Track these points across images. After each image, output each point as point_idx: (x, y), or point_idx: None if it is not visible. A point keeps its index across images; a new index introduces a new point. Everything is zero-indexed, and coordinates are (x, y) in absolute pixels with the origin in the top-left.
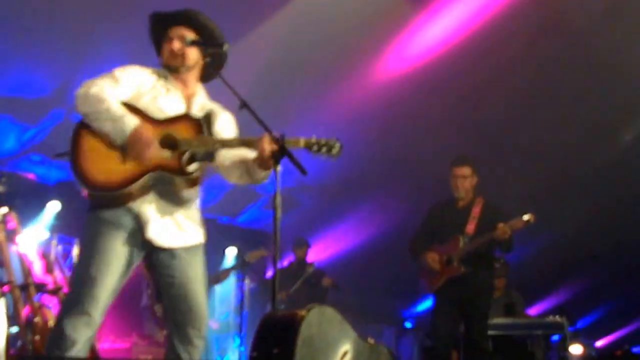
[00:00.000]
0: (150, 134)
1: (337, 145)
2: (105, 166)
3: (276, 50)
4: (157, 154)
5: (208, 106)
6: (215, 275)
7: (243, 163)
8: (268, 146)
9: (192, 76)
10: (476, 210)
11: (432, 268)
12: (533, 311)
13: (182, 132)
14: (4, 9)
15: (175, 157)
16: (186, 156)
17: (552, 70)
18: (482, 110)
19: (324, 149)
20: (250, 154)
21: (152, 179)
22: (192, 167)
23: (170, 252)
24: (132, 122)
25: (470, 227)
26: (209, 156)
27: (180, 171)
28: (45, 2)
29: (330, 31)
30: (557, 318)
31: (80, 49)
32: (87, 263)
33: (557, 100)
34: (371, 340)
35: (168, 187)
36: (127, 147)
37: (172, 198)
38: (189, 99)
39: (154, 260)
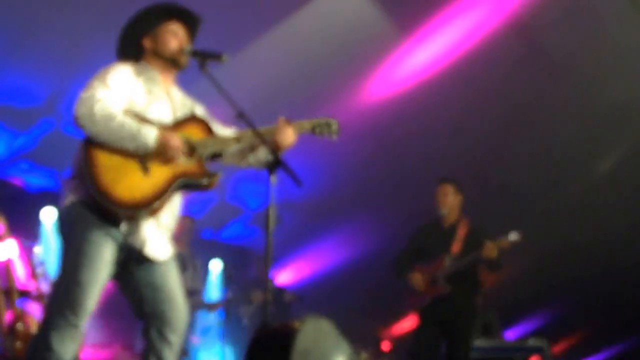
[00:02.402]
0: (176, 136)
1: (334, 122)
2: (130, 183)
3: (262, 71)
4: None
5: (185, 100)
6: (209, 304)
7: (248, 149)
8: (291, 137)
9: None
10: (461, 231)
11: (416, 288)
12: (510, 334)
13: (194, 134)
14: None
15: (196, 161)
16: (206, 158)
17: (532, 98)
18: (464, 135)
19: (325, 129)
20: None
21: (176, 187)
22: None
23: (149, 263)
24: (152, 132)
25: (456, 247)
26: (220, 154)
27: (206, 175)
28: (38, 12)
29: (317, 55)
30: (538, 341)
31: (73, 60)
32: (76, 271)
33: (537, 128)
34: (364, 356)
35: (174, 195)
36: (149, 158)
37: (169, 207)
38: (169, 95)
39: (133, 269)
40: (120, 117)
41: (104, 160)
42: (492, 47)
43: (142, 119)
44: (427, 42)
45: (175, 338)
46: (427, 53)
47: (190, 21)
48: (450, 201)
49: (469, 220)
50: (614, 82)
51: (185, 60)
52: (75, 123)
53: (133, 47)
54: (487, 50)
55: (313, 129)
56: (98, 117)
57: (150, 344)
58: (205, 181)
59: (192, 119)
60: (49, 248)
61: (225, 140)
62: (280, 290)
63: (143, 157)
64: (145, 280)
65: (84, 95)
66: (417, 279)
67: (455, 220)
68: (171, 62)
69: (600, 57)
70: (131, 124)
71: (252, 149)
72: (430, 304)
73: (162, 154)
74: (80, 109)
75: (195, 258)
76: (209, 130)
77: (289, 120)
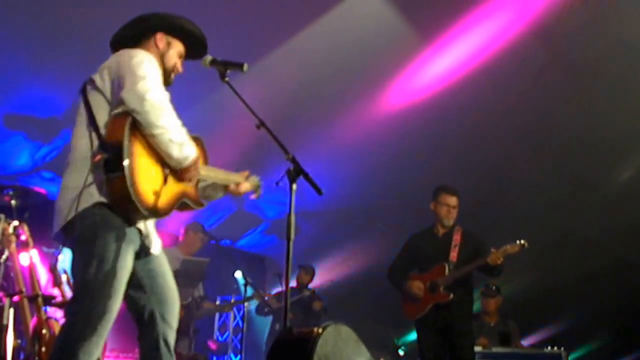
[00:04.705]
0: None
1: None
2: (152, 185)
3: (281, 80)
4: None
5: None
6: (222, 306)
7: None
8: (244, 188)
9: None
10: (457, 238)
11: (416, 296)
12: (526, 342)
13: None
14: (19, 29)
15: (194, 186)
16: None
17: (555, 105)
18: (484, 145)
19: (257, 190)
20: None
21: (179, 204)
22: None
23: (147, 258)
24: (193, 150)
25: (454, 255)
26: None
27: (198, 202)
28: (61, 24)
29: (337, 63)
30: (556, 349)
31: (94, 71)
32: (103, 283)
33: (560, 135)
34: None
35: None
36: (171, 168)
37: None
38: None
39: (135, 266)
40: (178, 122)
41: (139, 154)
42: (515, 54)
43: None
44: (449, 48)
45: (175, 322)
46: (449, 60)
47: (192, 55)
48: (456, 214)
49: (462, 227)
50: (639, 88)
51: (171, 82)
52: (136, 103)
53: (140, 32)
54: (511, 57)
55: (255, 191)
56: (167, 112)
57: (154, 334)
58: (196, 207)
59: (196, 139)
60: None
61: (208, 175)
62: (312, 298)
63: (166, 164)
64: (144, 269)
65: (154, 79)
66: (417, 286)
67: (449, 229)
68: (166, 74)
69: (625, 63)
70: (182, 132)
71: (213, 186)
72: (429, 312)
73: (187, 172)
74: (150, 93)
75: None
76: (205, 156)
77: (249, 176)
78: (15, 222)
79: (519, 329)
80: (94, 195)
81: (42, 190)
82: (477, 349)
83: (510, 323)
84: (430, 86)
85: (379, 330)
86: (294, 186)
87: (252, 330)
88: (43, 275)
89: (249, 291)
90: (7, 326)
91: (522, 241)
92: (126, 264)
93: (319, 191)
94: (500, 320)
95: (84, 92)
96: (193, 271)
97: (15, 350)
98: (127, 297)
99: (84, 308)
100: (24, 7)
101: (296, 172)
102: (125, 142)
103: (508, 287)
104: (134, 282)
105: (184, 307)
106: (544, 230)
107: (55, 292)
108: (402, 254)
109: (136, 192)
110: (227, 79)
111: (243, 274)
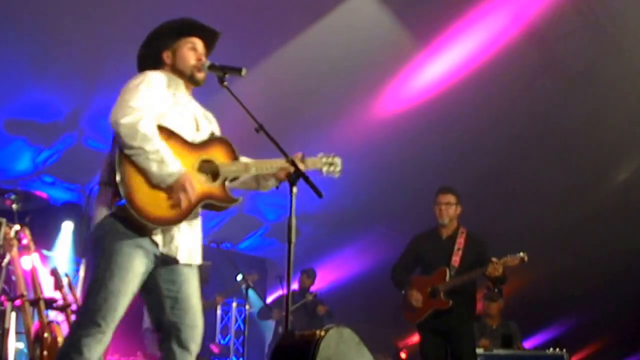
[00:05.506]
0: (194, 182)
1: (339, 161)
2: (156, 200)
3: (279, 83)
4: (202, 183)
5: (205, 113)
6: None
7: (259, 176)
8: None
9: None
10: (460, 242)
11: (414, 307)
12: (528, 344)
13: (218, 157)
14: (21, 34)
15: (220, 185)
16: (227, 183)
17: (550, 108)
18: (479, 148)
19: (331, 168)
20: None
21: (201, 207)
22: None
23: (174, 269)
24: (176, 169)
25: (456, 259)
26: (236, 178)
27: (228, 199)
28: (61, 29)
29: (334, 67)
30: (558, 351)
31: (94, 76)
32: (108, 280)
33: (555, 138)
34: None
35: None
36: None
37: (193, 216)
38: (192, 107)
39: (156, 278)
40: (157, 141)
41: (135, 176)
42: (510, 58)
43: (171, 134)
44: (444, 53)
45: (195, 347)
46: (444, 64)
47: (208, 37)
48: (452, 211)
49: (467, 230)
50: (633, 90)
51: (203, 76)
52: (114, 128)
53: (152, 61)
54: (505, 61)
55: (321, 168)
56: (140, 135)
57: (170, 356)
58: (227, 205)
59: (218, 140)
60: (64, 257)
61: (247, 167)
62: (315, 302)
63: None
64: (166, 280)
65: (133, 104)
66: (415, 298)
67: (453, 231)
68: (189, 78)
69: (619, 66)
70: (164, 150)
71: (258, 182)
72: (429, 316)
73: (174, 192)
74: (125, 118)
75: None
76: (232, 154)
77: (304, 157)
78: (17, 226)
79: (520, 330)
80: (104, 209)
81: (43, 195)
82: (479, 350)
83: (511, 325)
84: (426, 90)
85: (381, 332)
86: (294, 189)
87: (253, 333)
88: (44, 279)
89: (250, 294)
90: (9, 330)
91: (522, 254)
92: (131, 265)
93: (319, 194)
94: (502, 322)
95: None
96: None
97: (17, 354)
98: (147, 303)
99: (90, 305)
100: (25, 12)
101: (296, 175)
102: (119, 165)
103: (510, 289)
104: (155, 298)
105: None
106: (543, 231)
107: (57, 295)
108: (405, 255)
109: (140, 213)
110: (225, 83)
111: (245, 277)
